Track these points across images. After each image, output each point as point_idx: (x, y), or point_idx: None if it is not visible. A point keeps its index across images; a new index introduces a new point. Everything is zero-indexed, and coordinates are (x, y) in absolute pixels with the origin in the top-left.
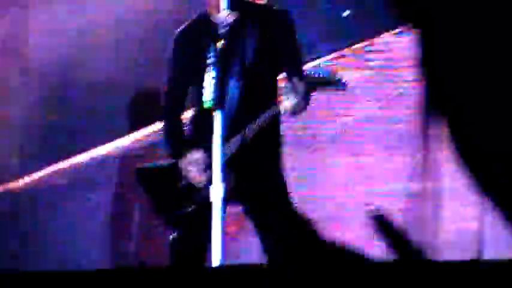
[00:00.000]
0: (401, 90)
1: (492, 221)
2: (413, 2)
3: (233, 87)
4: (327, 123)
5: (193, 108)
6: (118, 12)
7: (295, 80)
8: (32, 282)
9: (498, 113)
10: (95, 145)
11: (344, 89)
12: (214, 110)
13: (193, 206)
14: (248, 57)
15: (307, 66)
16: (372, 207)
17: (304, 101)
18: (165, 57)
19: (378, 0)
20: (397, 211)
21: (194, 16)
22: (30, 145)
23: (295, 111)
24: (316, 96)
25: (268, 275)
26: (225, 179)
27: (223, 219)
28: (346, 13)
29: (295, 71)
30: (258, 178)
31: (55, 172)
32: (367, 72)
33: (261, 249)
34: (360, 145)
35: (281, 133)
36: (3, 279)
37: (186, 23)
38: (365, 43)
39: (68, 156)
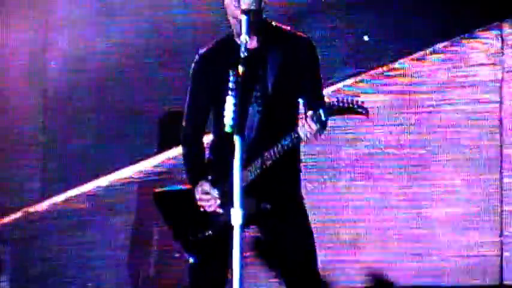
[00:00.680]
0: (421, 115)
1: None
2: None
3: (253, 112)
4: (345, 148)
5: (214, 133)
6: (141, 36)
7: (315, 106)
8: None
9: None
10: (115, 169)
11: (366, 115)
12: (234, 135)
13: (211, 231)
14: (269, 83)
15: (327, 91)
16: (391, 232)
17: (324, 127)
18: (187, 81)
19: (398, 24)
20: (415, 236)
21: (218, 38)
22: (51, 169)
23: (315, 137)
24: (335, 121)
25: None
26: (245, 204)
27: (243, 243)
28: (366, 38)
29: (315, 97)
30: (277, 203)
31: (76, 196)
32: (387, 97)
33: (279, 274)
34: (379, 170)
35: (300, 158)
36: None
37: (209, 45)
38: (385, 68)
39: (89, 180)
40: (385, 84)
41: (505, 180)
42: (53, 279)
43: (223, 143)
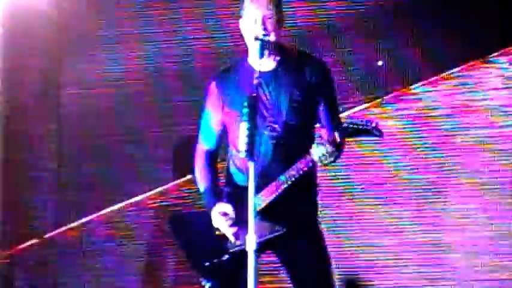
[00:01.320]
0: (435, 140)
1: None
2: None
3: (268, 137)
4: (360, 172)
5: (228, 158)
6: (154, 61)
7: (330, 129)
8: None
9: None
10: (130, 195)
11: (381, 137)
12: (248, 161)
13: (226, 256)
14: (283, 107)
15: (342, 116)
16: (406, 257)
17: (339, 151)
18: (200, 106)
19: (412, 49)
20: (430, 260)
21: (233, 61)
22: (65, 195)
23: (330, 160)
24: (349, 145)
25: None
26: (260, 228)
27: (258, 269)
28: (380, 63)
29: (330, 121)
30: (294, 227)
31: (90, 223)
32: (401, 122)
33: None
34: (393, 194)
35: (317, 182)
36: None
37: (224, 69)
38: (399, 92)
39: (103, 206)
40: (400, 109)
41: None
42: None
43: (238, 168)
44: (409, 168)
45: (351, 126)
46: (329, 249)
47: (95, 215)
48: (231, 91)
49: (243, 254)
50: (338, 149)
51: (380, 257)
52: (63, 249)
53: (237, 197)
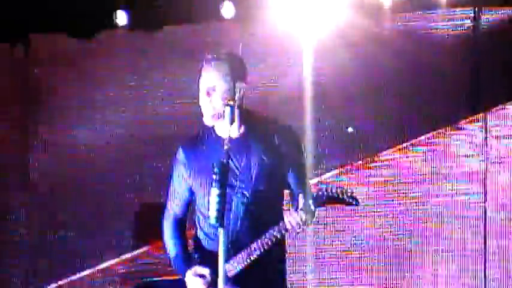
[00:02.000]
0: (405, 206)
1: None
2: None
3: (238, 203)
4: (330, 239)
5: (197, 224)
6: (124, 127)
7: (302, 195)
8: None
9: None
10: (99, 260)
11: (357, 205)
12: (218, 227)
13: None
14: (253, 173)
15: (312, 182)
16: None
17: (313, 217)
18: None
19: (382, 117)
20: None
21: (199, 129)
22: (35, 261)
23: (303, 227)
24: (321, 213)
25: None
26: None
27: None
28: (350, 129)
29: (301, 186)
30: None
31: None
32: (371, 188)
33: None
34: (364, 261)
35: (285, 249)
36: None
37: (190, 136)
38: (369, 159)
39: (74, 272)
40: (370, 175)
41: (489, 271)
42: None
43: (206, 234)
44: (378, 235)
45: (325, 194)
46: None
47: (65, 281)
48: (198, 158)
49: None
50: (312, 216)
51: None
52: None
53: (207, 262)
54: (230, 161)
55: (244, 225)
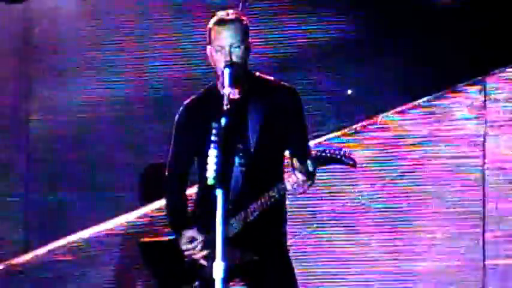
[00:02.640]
0: (404, 169)
1: None
2: None
3: (236, 165)
4: (328, 201)
5: (198, 185)
6: (123, 88)
7: (302, 156)
8: None
9: None
10: (98, 221)
11: (353, 166)
12: (216, 188)
13: (197, 283)
14: (251, 135)
15: (311, 144)
16: (373, 285)
17: (312, 178)
18: (169, 133)
19: (381, 78)
20: None
21: (202, 89)
22: (33, 221)
23: (302, 189)
24: (319, 174)
25: None
26: (229, 255)
27: None
28: (349, 91)
29: (301, 148)
30: (262, 255)
31: (58, 249)
32: (370, 150)
33: None
34: (361, 223)
35: (285, 210)
36: None
37: (194, 97)
38: (368, 121)
39: (71, 232)
40: (368, 138)
41: (487, 234)
42: None
43: (208, 196)
44: (376, 197)
45: (323, 155)
46: (297, 278)
47: (62, 241)
48: (200, 119)
49: (214, 281)
50: (310, 178)
51: (348, 285)
52: (30, 275)
53: (208, 221)
54: (230, 122)
55: (244, 186)
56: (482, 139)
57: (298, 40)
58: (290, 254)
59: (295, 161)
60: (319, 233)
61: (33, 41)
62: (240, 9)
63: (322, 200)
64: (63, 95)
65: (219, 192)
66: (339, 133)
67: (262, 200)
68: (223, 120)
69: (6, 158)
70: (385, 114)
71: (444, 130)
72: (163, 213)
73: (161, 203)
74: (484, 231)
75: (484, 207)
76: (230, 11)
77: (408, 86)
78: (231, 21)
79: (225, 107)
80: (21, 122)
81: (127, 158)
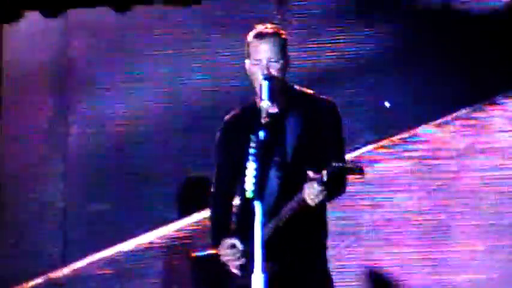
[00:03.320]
0: (441, 181)
1: None
2: None
3: (273, 177)
4: (366, 214)
5: (240, 197)
6: (161, 101)
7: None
8: None
9: None
10: (136, 234)
11: (361, 174)
12: (254, 201)
13: None
14: (288, 148)
15: (348, 157)
16: None
17: (327, 190)
18: (212, 146)
19: (419, 90)
20: None
21: (243, 104)
22: (72, 233)
23: (319, 199)
24: (355, 186)
25: None
26: (266, 267)
27: None
28: (387, 104)
29: (338, 162)
30: (301, 268)
31: (97, 262)
32: (408, 163)
33: None
34: (399, 236)
35: (325, 222)
36: None
37: (234, 112)
38: (406, 134)
39: (110, 245)
40: (406, 150)
41: None
42: None
43: (247, 208)
44: (414, 210)
45: (335, 165)
46: None
47: (101, 254)
48: (240, 133)
49: None
50: (326, 188)
51: None
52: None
53: (246, 233)
54: (268, 136)
55: (280, 198)
56: None
57: (336, 53)
58: (329, 266)
59: (311, 171)
60: (357, 246)
61: (72, 54)
62: (279, 17)
63: (360, 212)
64: (101, 108)
65: (257, 205)
66: (376, 145)
67: (285, 210)
68: (261, 134)
69: (45, 171)
70: (423, 126)
71: (482, 142)
72: (201, 227)
73: (199, 216)
74: None
75: None
76: (269, 25)
77: (446, 99)
78: (269, 34)
79: (263, 120)
80: (60, 135)
81: (165, 170)
